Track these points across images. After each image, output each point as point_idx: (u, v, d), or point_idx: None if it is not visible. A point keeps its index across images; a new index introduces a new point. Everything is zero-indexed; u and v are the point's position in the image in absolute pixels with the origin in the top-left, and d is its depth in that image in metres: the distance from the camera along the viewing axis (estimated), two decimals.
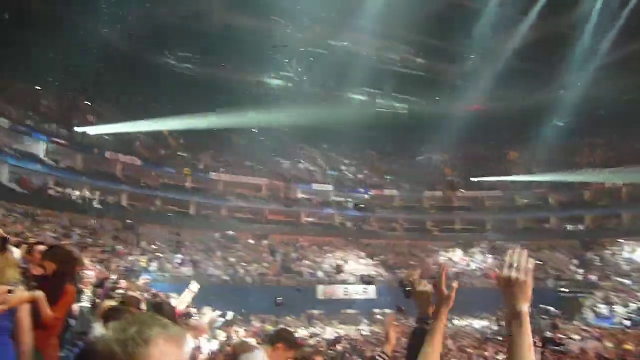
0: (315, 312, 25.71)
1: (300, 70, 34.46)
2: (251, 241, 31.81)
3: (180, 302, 5.66)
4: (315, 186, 36.97)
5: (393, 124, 36.66)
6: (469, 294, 29.17)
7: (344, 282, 29.33)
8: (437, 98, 36.35)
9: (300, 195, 36.43)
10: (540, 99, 34.99)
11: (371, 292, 28.76)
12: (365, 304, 27.19)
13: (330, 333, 19.48)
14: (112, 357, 0.92)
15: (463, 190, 31.72)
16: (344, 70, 33.96)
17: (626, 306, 25.35)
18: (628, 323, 23.48)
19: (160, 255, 26.01)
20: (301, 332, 16.30)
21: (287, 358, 3.03)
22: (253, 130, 37.14)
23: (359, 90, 35.87)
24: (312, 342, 12.69)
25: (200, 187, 33.54)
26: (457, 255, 35.02)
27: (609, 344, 14.89)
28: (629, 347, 13.85)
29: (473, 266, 33.35)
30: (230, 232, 31.49)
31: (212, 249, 29.25)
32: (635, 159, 32.00)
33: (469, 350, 13.54)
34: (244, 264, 28.39)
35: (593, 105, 32.63)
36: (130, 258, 23.25)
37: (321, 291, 28.08)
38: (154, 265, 24.27)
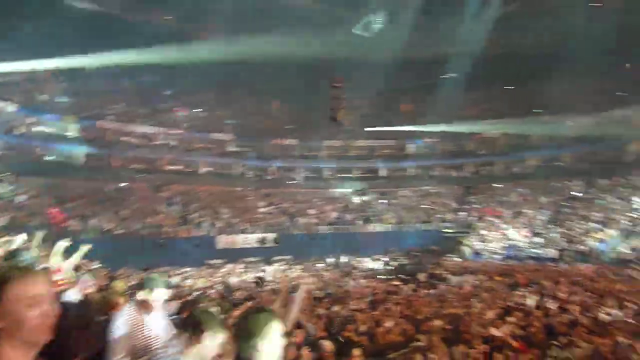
0: (215, 261, 25.75)
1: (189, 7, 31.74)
2: (146, 193, 30.57)
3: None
4: (214, 135, 36.04)
5: (296, 69, 36.00)
6: (363, 238, 31.14)
7: (243, 232, 29.55)
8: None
9: (198, 145, 35.35)
10: (430, 51, 36.46)
11: (270, 239, 29.37)
12: (265, 252, 27.75)
13: (231, 282, 19.68)
14: None
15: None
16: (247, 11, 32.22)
17: (497, 242, 28.56)
18: (498, 257, 26.59)
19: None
20: (201, 283, 16.27)
21: (152, 302, 3.12)
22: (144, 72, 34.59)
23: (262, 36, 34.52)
24: (212, 291, 12.76)
25: (88, 136, 31.12)
26: (355, 200, 36.71)
27: (482, 277, 16.78)
28: (498, 278, 15.73)
29: (368, 212, 35.16)
30: (123, 184, 29.95)
31: (102, 202, 27.69)
32: (510, 111, 35.24)
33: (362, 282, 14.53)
34: (140, 216, 27.35)
35: (477, 59, 34.80)
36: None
37: (220, 240, 28.08)
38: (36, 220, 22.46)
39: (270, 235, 29.73)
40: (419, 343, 5.51)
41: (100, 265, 13.09)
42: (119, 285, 4.91)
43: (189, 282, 16.63)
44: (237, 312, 3.34)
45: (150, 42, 29.76)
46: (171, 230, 27.27)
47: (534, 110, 34.54)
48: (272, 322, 1.95)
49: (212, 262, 25.22)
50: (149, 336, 2.99)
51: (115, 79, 33.01)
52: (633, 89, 30.63)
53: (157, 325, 3.08)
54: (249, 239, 29.06)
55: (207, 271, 21.90)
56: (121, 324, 2.97)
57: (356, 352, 3.73)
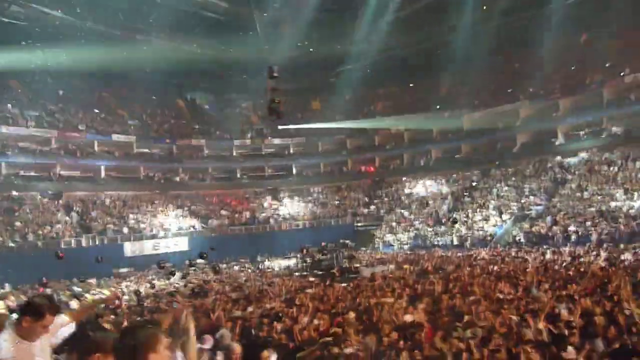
0: (123, 270, 24.39)
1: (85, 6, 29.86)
2: (41, 201, 28.18)
3: None
4: (115, 137, 34.00)
5: (197, 69, 35.11)
6: (278, 236, 31.15)
7: (154, 237, 28.31)
8: (243, 45, 35.67)
9: (98, 148, 33.15)
10: (338, 50, 37.26)
11: (182, 244, 28.40)
12: (178, 257, 26.71)
13: (142, 289, 18.74)
14: None
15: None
16: (137, 9, 30.85)
17: (406, 233, 29.92)
18: (406, 247, 27.88)
19: None
20: (105, 294, 15.29)
21: (40, 327, 2.66)
22: (35, 73, 31.95)
23: (156, 33, 33.10)
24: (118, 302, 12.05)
25: None
26: (267, 199, 36.56)
27: (392, 266, 17.50)
28: (406, 266, 16.49)
29: (282, 211, 35.20)
30: (14, 193, 27.38)
31: None
32: (413, 107, 37.10)
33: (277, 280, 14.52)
34: (35, 227, 25.15)
35: (381, 57, 36.12)
36: None
37: (128, 248, 26.67)
38: None
39: (182, 239, 28.76)
40: (327, 339, 5.59)
41: None
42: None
43: (90, 295, 15.57)
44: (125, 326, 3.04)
45: (42, 40, 27.65)
46: (72, 239, 25.40)
47: (436, 106, 36.69)
48: (157, 335, 1.82)
49: (119, 271, 23.89)
50: None
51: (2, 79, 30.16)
52: (520, 86, 33.59)
53: (40, 353, 2.66)
54: (160, 244, 27.89)
55: (114, 281, 20.69)
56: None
57: (265, 353, 3.69)
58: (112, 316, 8.08)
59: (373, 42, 35.45)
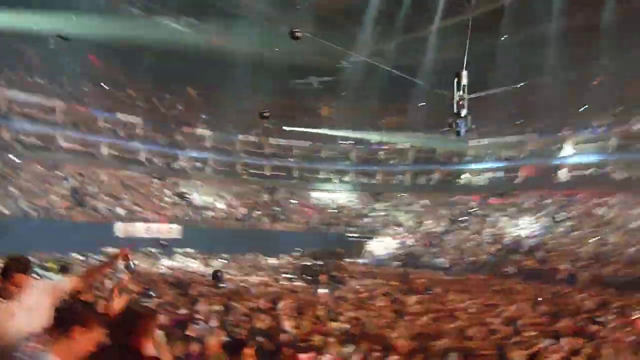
0: (113, 250, 24.21)
1: None
2: (39, 170, 28.08)
3: None
4: (121, 116, 33.99)
5: (213, 59, 34.98)
6: (271, 236, 31.06)
7: (147, 220, 28.20)
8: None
9: (102, 124, 33.13)
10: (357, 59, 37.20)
11: (175, 231, 28.29)
12: (170, 244, 26.59)
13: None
14: None
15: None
16: None
17: (399, 250, 29.86)
18: (397, 264, 27.78)
19: None
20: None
21: (12, 287, 2.79)
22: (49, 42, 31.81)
23: (176, 17, 32.90)
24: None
25: None
26: (264, 198, 36.50)
27: (380, 281, 17.42)
28: (395, 283, 16.41)
29: (277, 211, 35.14)
30: (12, 157, 27.28)
31: None
32: (421, 125, 37.04)
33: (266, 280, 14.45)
34: (29, 196, 25.06)
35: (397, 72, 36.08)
36: None
37: (120, 228, 26.55)
38: None
39: (175, 226, 28.65)
40: (305, 345, 5.55)
41: None
42: None
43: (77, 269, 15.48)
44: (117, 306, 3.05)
45: (59, 7, 27.45)
46: (65, 213, 25.30)
47: (442, 130, 36.55)
48: (153, 323, 1.80)
49: (107, 250, 23.74)
50: (11, 326, 2.64)
51: (15, 43, 30.05)
52: (528, 117, 33.66)
53: (25, 314, 2.73)
54: (151, 229, 27.76)
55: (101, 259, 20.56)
56: None
57: (247, 351, 3.63)
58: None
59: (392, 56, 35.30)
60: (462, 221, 31.22)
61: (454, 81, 10.76)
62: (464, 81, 10.69)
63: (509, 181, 33.34)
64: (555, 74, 30.61)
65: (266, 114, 15.56)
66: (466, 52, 11.00)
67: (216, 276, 12.71)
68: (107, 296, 3.58)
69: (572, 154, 31.41)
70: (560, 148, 31.74)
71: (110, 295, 3.16)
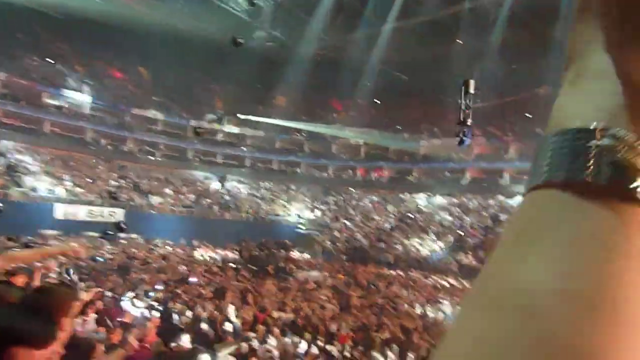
0: (52, 232, 23.16)
1: None
2: None
3: None
4: (68, 92, 32.45)
5: (169, 39, 33.91)
6: (219, 225, 30.63)
7: (90, 203, 27.13)
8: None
9: (47, 100, 31.51)
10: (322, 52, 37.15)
11: (119, 215, 27.36)
12: (109, 227, 25.70)
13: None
14: None
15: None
16: None
17: (347, 243, 30.18)
18: (345, 258, 28.09)
19: None
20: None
21: None
22: None
23: None
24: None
25: None
26: (214, 186, 35.94)
27: (327, 274, 17.61)
28: (341, 276, 16.66)
29: (227, 200, 34.70)
30: None
31: None
32: (376, 122, 37.62)
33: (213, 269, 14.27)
34: None
35: (362, 69, 36.39)
36: None
37: (60, 210, 25.41)
38: None
39: (119, 210, 27.71)
40: (249, 334, 5.54)
41: None
42: None
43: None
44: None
45: None
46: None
47: (396, 126, 37.36)
48: (72, 299, 1.73)
49: (46, 232, 22.68)
50: None
51: None
52: (479, 122, 34.73)
53: None
54: (94, 212, 26.73)
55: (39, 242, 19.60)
56: None
57: (185, 337, 3.58)
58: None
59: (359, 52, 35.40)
60: (409, 218, 31.95)
61: (461, 89, 10.48)
62: (471, 89, 10.35)
63: (456, 182, 34.42)
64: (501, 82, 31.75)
65: (199, 130, 15.39)
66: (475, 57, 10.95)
67: (119, 227, 12.58)
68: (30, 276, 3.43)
69: (515, 159, 32.80)
70: (506, 152, 33.08)
71: (32, 275, 3.03)
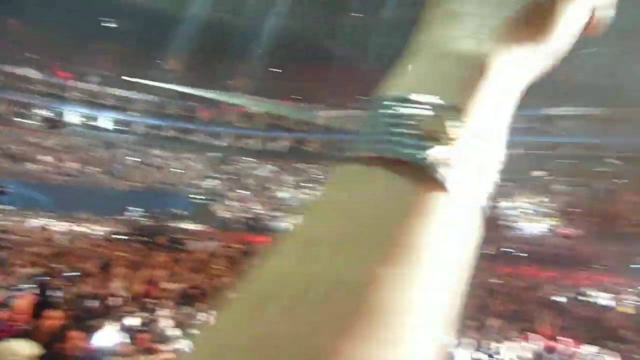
0: None
1: None
2: None
3: None
4: None
5: None
6: (103, 194, 28.69)
7: None
8: None
9: None
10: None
11: None
12: None
13: None
14: None
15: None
16: None
17: (242, 213, 29.98)
18: (240, 227, 27.93)
19: None
20: None
21: None
22: None
23: None
24: None
25: None
26: (98, 153, 33.44)
27: (221, 244, 17.41)
28: (236, 245, 16.54)
29: (112, 168, 32.54)
30: None
31: None
32: (273, 91, 37.18)
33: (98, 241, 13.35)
34: None
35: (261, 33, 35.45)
36: None
37: None
38: None
39: None
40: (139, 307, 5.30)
41: None
42: None
43: None
44: None
45: None
46: None
47: (292, 96, 37.30)
48: None
49: None
50: None
51: None
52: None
53: None
54: None
55: None
56: None
57: (54, 314, 3.30)
58: None
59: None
60: (306, 187, 32.43)
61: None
62: None
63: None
64: None
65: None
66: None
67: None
68: None
69: None
70: None
71: None
